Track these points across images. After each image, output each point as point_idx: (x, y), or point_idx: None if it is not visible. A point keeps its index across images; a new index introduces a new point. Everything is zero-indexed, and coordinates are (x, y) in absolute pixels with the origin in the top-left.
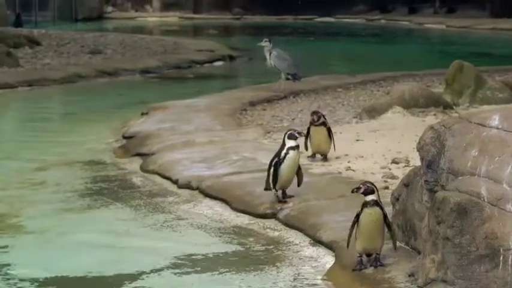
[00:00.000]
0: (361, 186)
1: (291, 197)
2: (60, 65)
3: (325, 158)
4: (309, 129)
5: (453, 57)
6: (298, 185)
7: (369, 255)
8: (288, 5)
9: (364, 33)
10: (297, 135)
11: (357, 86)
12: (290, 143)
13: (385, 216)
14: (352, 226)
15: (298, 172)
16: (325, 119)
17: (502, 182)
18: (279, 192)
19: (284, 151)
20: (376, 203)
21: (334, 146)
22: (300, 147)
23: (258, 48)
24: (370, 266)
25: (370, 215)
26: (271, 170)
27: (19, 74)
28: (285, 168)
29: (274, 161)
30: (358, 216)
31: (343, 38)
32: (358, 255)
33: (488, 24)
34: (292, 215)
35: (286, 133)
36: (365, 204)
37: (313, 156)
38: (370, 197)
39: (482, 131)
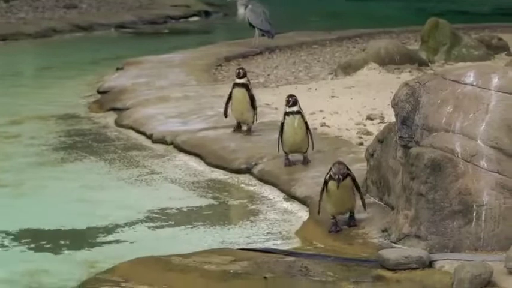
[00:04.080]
0: (339, 177)
1: (308, 162)
2: (34, 19)
3: (248, 130)
4: (231, 93)
5: (429, 15)
6: (312, 147)
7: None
8: None
9: None
10: (290, 99)
11: (333, 42)
12: (286, 108)
13: (353, 180)
14: (321, 192)
15: (309, 135)
16: (249, 82)
17: (476, 139)
18: (289, 157)
19: (282, 116)
20: (348, 175)
21: (256, 116)
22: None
23: (234, 3)
24: (345, 225)
25: (337, 185)
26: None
27: None
28: (285, 133)
29: (280, 123)
30: (326, 183)
31: None
32: (331, 217)
33: None
34: (267, 170)
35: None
36: (332, 177)
37: (237, 127)
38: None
39: (457, 88)
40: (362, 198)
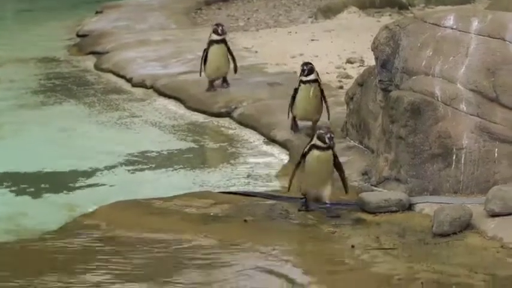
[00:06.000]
0: (331, 136)
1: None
2: None
3: (225, 80)
4: (206, 50)
5: None
6: (328, 117)
7: (316, 200)
8: None
9: None
10: (305, 67)
11: None
12: (302, 77)
13: (335, 156)
14: (297, 167)
15: (326, 104)
16: (225, 33)
17: (455, 82)
18: (300, 123)
19: (298, 82)
20: (329, 147)
21: (235, 67)
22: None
23: None
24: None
25: (319, 157)
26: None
27: None
28: (298, 101)
29: (294, 88)
30: (304, 155)
31: None
32: (302, 196)
33: None
34: (247, 114)
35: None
36: (316, 147)
37: (210, 85)
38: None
39: (437, 31)
40: (344, 179)
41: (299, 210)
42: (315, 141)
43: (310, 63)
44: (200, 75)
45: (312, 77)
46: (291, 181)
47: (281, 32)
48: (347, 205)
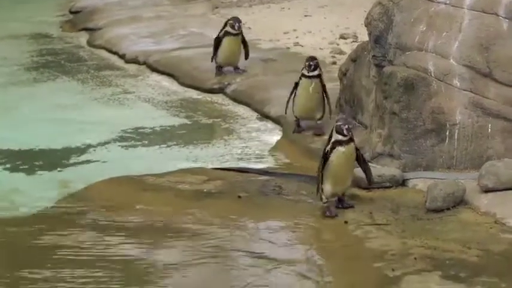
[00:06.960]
0: (349, 127)
1: (320, 135)
2: None
3: (236, 68)
4: (220, 39)
5: None
6: (330, 114)
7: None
8: None
9: None
10: (311, 63)
11: None
12: (305, 72)
13: (356, 148)
14: (320, 170)
15: (327, 101)
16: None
17: (449, 57)
18: (301, 122)
19: (299, 77)
20: (351, 139)
21: (246, 54)
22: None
23: None
24: (337, 207)
25: (344, 153)
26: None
27: None
28: (299, 96)
29: (295, 82)
30: (327, 155)
31: None
32: (325, 200)
33: None
34: (240, 90)
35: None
36: (339, 142)
37: (218, 70)
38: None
39: (430, 6)
40: (368, 171)
41: (326, 216)
42: (335, 136)
43: (316, 59)
44: (212, 61)
45: (315, 72)
46: (319, 186)
47: (274, 7)
48: None
